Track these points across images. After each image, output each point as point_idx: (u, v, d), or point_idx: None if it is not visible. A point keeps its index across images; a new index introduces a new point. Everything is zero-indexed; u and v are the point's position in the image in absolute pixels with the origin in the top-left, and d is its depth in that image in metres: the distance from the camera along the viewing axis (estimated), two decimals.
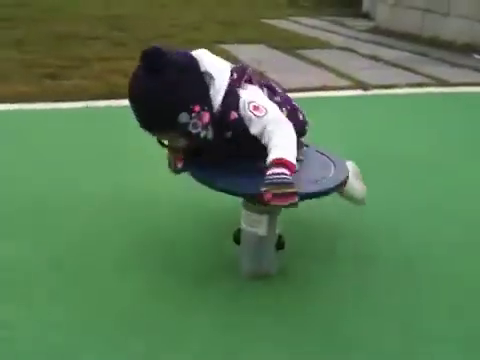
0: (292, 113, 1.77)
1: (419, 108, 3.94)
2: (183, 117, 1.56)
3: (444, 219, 2.20)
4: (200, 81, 1.59)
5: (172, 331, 1.49)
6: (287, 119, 1.62)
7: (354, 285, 1.74)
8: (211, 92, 1.59)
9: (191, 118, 1.57)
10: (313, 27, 7.96)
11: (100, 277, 1.73)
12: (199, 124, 1.58)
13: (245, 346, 1.44)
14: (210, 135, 1.63)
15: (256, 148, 1.59)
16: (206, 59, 1.63)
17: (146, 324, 1.51)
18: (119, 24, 7.08)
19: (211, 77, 1.59)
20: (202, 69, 1.59)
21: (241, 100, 1.60)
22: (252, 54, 5.65)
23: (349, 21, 8.60)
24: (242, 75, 1.66)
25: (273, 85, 1.86)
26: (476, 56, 5.92)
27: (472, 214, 2.25)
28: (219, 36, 6.63)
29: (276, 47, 6.14)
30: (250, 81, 1.71)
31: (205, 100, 1.59)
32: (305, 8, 10.11)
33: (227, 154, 1.65)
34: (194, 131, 1.58)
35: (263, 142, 1.58)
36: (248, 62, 5.18)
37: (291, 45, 6.21)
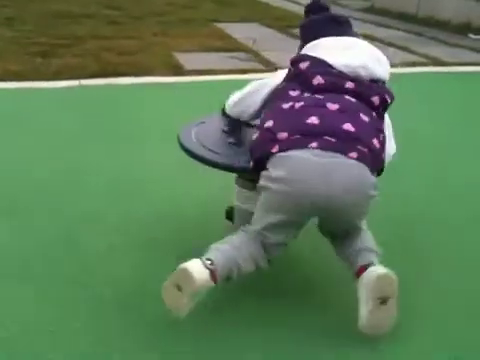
0: None
1: (414, 87, 3.92)
2: None
3: (443, 196, 2.22)
4: None
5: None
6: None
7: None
8: None
9: None
10: None
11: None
12: None
13: (239, 327, 1.46)
14: None
15: None
16: None
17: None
18: (112, 2, 6.99)
19: None
20: None
21: None
22: (246, 33, 5.60)
23: (344, 0, 8.53)
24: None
25: None
26: (471, 36, 5.90)
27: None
28: (214, 15, 6.57)
29: (270, 26, 6.09)
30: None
31: None
32: None
33: None
34: None
35: None
36: (243, 40, 5.16)
37: (286, 24, 6.15)
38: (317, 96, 1.48)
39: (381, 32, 6.00)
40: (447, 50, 5.20)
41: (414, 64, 4.57)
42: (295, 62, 1.57)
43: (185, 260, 1.34)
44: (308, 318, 1.48)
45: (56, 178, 2.21)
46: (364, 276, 1.38)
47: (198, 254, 1.38)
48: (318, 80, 1.50)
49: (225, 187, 2.09)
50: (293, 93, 1.51)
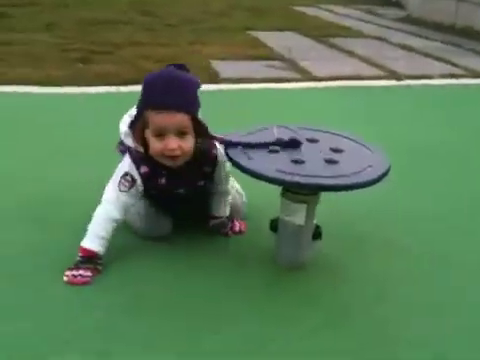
0: None
1: (452, 99, 3.86)
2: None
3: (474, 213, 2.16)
4: None
5: (211, 316, 1.49)
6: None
7: (390, 277, 1.72)
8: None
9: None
10: (343, 15, 7.86)
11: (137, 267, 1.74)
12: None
13: (279, 335, 1.43)
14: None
15: None
16: None
17: (187, 306, 1.52)
18: (147, 9, 7.06)
19: None
20: None
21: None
22: (282, 41, 5.59)
23: (380, 10, 8.46)
24: None
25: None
26: None
27: None
28: (248, 23, 6.58)
29: (306, 35, 6.07)
30: None
31: None
32: None
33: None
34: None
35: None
36: (277, 49, 5.15)
37: (322, 33, 6.13)
38: None
39: (418, 42, 5.93)
40: None
41: (453, 76, 4.49)
42: None
43: None
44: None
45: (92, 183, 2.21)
46: None
47: None
48: None
49: (264, 197, 2.09)
50: None
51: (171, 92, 1.56)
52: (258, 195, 2.05)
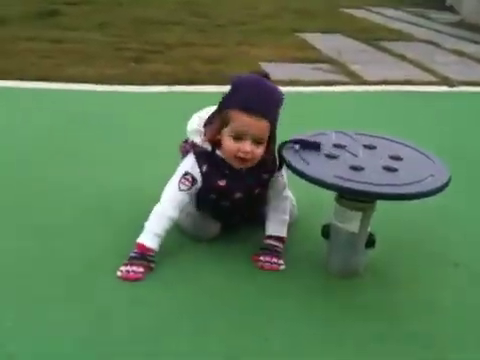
0: None
1: None
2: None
3: None
4: None
5: (260, 319, 1.50)
6: None
7: (444, 290, 1.69)
8: None
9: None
10: (394, 18, 7.72)
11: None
12: None
13: (330, 341, 1.43)
14: None
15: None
16: None
17: (236, 309, 1.53)
18: (198, 10, 7.13)
19: None
20: None
21: None
22: (330, 44, 5.55)
23: (432, 14, 8.28)
24: None
25: None
26: None
27: None
28: (296, 25, 6.54)
29: (355, 37, 5.99)
30: None
31: None
32: None
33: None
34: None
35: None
36: (326, 52, 5.11)
37: (371, 36, 6.04)
38: None
39: (471, 47, 5.78)
40: None
41: None
42: None
43: None
44: None
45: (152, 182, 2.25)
46: None
47: None
48: None
49: (315, 202, 2.08)
50: None
51: (262, 98, 1.61)
52: (307, 199, 2.05)
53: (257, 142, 1.64)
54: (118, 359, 1.34)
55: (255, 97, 1.60)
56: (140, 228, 1.73)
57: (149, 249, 1.69)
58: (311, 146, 1.70)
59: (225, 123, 1.64)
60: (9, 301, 1.51)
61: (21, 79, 3.68)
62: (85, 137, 2.75)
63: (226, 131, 1.65)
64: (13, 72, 3.82)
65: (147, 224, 1.72)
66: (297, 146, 1.70)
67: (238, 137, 1.63)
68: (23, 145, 2.60)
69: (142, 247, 1.69)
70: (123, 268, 1.65)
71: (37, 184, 2.20)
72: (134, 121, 3.02)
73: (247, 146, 1.62)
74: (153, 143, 2.69)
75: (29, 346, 1.35)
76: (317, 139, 1.77)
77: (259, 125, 1.61)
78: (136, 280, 1.63)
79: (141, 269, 1.65)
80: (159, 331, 1.43)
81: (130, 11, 6.70)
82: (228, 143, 1.65)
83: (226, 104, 1.65)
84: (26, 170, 2.33)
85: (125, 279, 1.63)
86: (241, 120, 1.60)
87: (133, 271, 1.64)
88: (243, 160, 1.67)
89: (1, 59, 4.16)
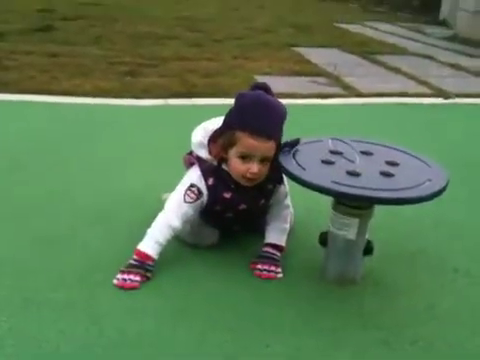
0: None
1: None
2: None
3: None
4: None
5: (258, 327, 1.48)
6: None
7: (444, 295, 1.67)
8: None
9: None
10: (389, 33, 7.78)
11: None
12: None
13: (326, 352, 1.41)
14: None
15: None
16: None
17: (234, 317, 1.51)
18: (193, 25, 7.17)
19: None
20: None
21: None
22: (326, 58, 5.58)
23: (426, 28, 8.35)
24: None
25: None
26: None
27: None
28: (292, 39, 6.59)
29: (350, 51, 6.03)
30: None
31: None
32: (380, 13, 9.90)
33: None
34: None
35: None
36: (322, 65, 5.14)
37: (367, 50, 6.09)
38: None
39: (466, 61, 5.82)
40: None
41: None
42: None
43: None
44: None
45: (148, 191, 2.24)
46: None
47: None
48: None
49: (311, 209, 2.07)
50: None
51: (269, 120, 1.61)
52: (304, 206, 2.03)
53: (265, 159, 1.64)
54: None
55: (261, 120, 1.59)
56: (136, 236, 1.71)
57: (149, 257, 1.67)
58: (292, 144, 1.72)
59: (231, 144, 1.63)
60: (8, 306, 1.50)
61: (19, 92, 3.69)
62: (81, 148, 2.74)
63: (233, 151, 1.64)
64: (11, 84, 3.83)
65: (149, 231, 1.71)
66: (286, 149, 1.70)
67: (246, 157, 1.63)
68: (19, 154, 2.60)
69: (142, 254, 1.67)
70: (120, 276, 1.63)
71: (33, 193, 2.19)
72: (129, 132, 3.02)
73: (255, 168, 1.62)
74: (149, 153, 2.69)
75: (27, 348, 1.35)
76: (314, 146, 1.77)
77: (266, 146, 1.61)
78: (132, 289, 1.61)
79: (138, 278, 1.63)
80: (156, 337, 1.41)
81: (125, 26, 6.74)
82: (236, 164, 1.64)
83: (232, 124, 1.63)
84: (22, 179, 2.32)
85: (121, 287, 1.61)
86: (248, 143, 1.60)
87: (130, 280, 1.62)
88: (250, 180, 1.67)
89: (0, 72, 4.17)
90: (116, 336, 1.41)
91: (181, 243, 1.84)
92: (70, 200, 2.16)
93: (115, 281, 1.62)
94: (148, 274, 1.66)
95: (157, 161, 2.59)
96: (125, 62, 4.79)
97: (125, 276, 1.63)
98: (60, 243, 1.83)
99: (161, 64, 4.81)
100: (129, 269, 1.65)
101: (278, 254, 1.79)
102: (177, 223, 1.70)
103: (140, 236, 1.70)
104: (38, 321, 1.45)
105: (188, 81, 4.21)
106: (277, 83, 4.37)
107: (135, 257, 1.67)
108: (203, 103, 3.65)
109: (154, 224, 1.71)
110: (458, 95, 4.30)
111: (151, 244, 1.68)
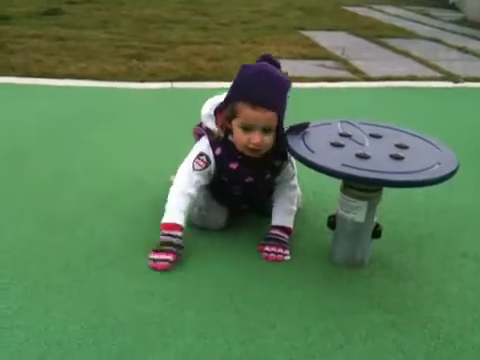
0: None
1: None
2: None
3: None
4: None
5: (266, 310, 1.48)
6: None
7: (452, 279, 1.67)
8: None
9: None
10: (396, 16, 7.70)
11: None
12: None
13: (337, 330, 1.41)
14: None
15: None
16: None
17: (243, 299, 1.51)
18: (200, 9, 7.12)
19: None
20: None
21: None
22: (334, 41, 5.53)
23: (435, 12, 8.25)
24: None
25: None
26: None
27: None
28: (300, 23, 6.53)
29: (358, 35, 5.97)
30: None
31: None
32: None
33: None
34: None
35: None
36: (331, 49, 5.09)
37: (375, 33, 6.02)
38: None
39: (475, 44, 5.75)
40: None
41: None
42: None
43: None
44: None
45: (154, 174, 2.24)
46: None
47: None
48: None
49: (320, 192, 2.06)
50: None
51: (269, 90, 1.60)
52: (312, 189, 2.02)
53: (267, 130, 1.63)
54: (120, 342, 1.32)
55: (262, 90, 1.59)
56: (142, 219, 1.71)
57: (176, 226, 1.67)
58: (301, 128, 1.71)
59: (233, 115, 1.64)
60: (16, 288, 1.51)
61: (25, 75, 3.69)
62: (87, 131, 2.74)
63: (235, 122, 1.64)
64: (18, 68, 3.82)
65: (168, 205, 1.71)
66: (294, 131, 1.69)
67: (248, 128, 1.63)
68: (26, 137, 2.60)
69: (170, 225, 1.67)
70: (151, 256, 1.63)
71: (39, 176, 2.19)
72: (136, 116, 3.01)
73: (257, 138, 1.62)
74: (155, 137, 2.69)
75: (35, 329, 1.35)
76: (323, 128, 1.76)
77: (266, 116, 1.60)
78: (163, 269, 1.61)
79: (169, 256, 1.63)
80: (163, 319, 1.42)
81: (132, 10, 6.70)
82: (239, 135, 1.65)
83: (233, 95, 1.64)
84: (28, 163, 2.33)
85: (154, 269, 1.61)
86: (248, 114, 1.60)
87: (160, 259, 1.62)
88: (254, 150, 1.66)
89: (6, 55, 4.16)
90: (124, 318, 1.41)
91: (190, 226, 1.84)
92: (76, 183, 2.16)
93: (150, 262, 1.63)
94: (179, 251, 1.65)
95: (163, 145, 2.59)
96: (132, 46, 4.77)
97: (156, 256, 1.63)
98: (66, 227, 1.84)
99: (168, 48, 4.78)
100: (160, 248, 1.64)
101: (286, 236, 1.79)
102: (192, 190, 1.71)
103: (146, 219, 1.70)
104: (46, 303, 1.46)
105: (195, 65, 4.19)
106: (285, 67, 4.29)
107: (163, 231, 1.67)
108: (210, 87, 3.62)
109: (170, 198, 1.72)
110: (467, 79, 4.25)
111: (175, 213, 1.68)
